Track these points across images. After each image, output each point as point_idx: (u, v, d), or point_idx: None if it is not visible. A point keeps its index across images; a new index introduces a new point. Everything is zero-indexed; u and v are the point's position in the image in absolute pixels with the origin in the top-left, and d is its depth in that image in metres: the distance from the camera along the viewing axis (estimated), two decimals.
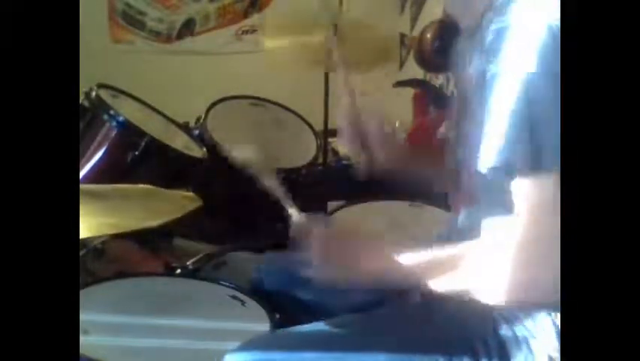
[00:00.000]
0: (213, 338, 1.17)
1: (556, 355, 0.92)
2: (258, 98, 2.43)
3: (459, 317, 0.97)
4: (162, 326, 1.20)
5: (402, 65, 3.64)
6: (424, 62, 2.82)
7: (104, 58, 3.37)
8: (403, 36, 3.68)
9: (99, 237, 1.71)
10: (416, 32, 3.10)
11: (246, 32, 3.80)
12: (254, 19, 3.78)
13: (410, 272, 0.97)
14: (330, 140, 3.03)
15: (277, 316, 1.21)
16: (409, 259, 0.97)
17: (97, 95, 1.91)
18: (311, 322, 1.05)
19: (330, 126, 2.80)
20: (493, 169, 0.85)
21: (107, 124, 1.86)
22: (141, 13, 3.69)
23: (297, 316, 1.18)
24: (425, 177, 1.34)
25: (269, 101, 2.44)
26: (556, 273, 0.74)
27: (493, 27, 0.90)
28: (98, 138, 1.86)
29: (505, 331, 0.96)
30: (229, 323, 1.21)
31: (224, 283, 1.36)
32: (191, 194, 1.44)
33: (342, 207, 1.87)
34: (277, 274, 1.32)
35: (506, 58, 0.85)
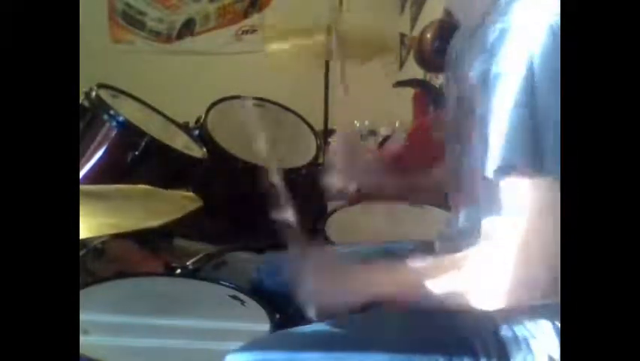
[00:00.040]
0: (213, 338, 1.16)
1: (557, 355, 0.92)
2: (258, 98, 2.43)
3: (459, 317, 0.97)
4: (162, 326, 1.20)
5: (402, 65, 3.65)
6: (424, 62, 2.82)
7: (104, 58, 3.38)
8: (403, 36, 3.68)
9: (99, 237, 1.71)
10: (416, 32, 3.10)
11: (246, 32, 3.81)
12: (254, 19, 3.79)
13: (406, 284, 0.97)
14: (330, 140, 3.03)
15: (277, 316, 1.21)
16: (408, 269, 0.97)
17: (97, 95, 1.91)
18: (311, 322, 1.05)
19: (330, 126, 2.81)
20: (494, 170, 0.85)
21: (107, 124, 1.86)
22: (141, 13, 3.69)
23: (297, 316, 1.17)
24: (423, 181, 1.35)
25: (269, 101, 2.44)
26: (556, 274, 0.74)
27: (494, 27, 0.90)
28: (98, 138, 1.86)
29: (505, 331, 0.96)
30: (229, 323, 1.21)
31: (224, 283, 1.36)
32: (191, 194, 1.44)
33: (342, 207, 1.87)
34: (277, 274, 1.32)
35: (508, 58, 0.85)
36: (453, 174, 1.08)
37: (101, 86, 1.98)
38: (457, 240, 1.05)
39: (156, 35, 3.74)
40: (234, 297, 1.30)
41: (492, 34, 0.90)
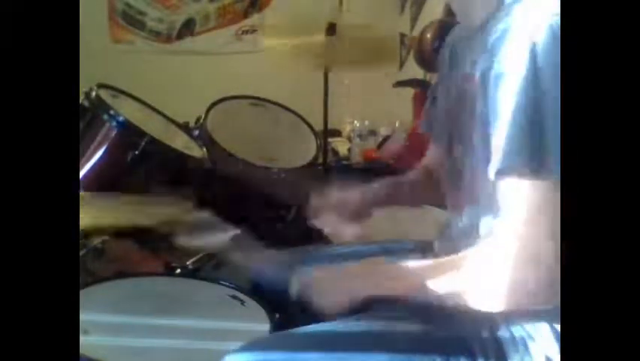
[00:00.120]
0: (213, 338, 1.16)
1: (554, 357, 0.92)
2: (258, 98, 2.43)
3: (457, 318, 0.97)
4: (162, 326, 1.20)
5: (402, 65, 3.65)
6: (424, 62, 2.83)
7: (104, 58, 3.38)
8: (403, 36, 3.68)
9: (99, 237, 1.71)
10: (416, 32, 3.11)
11: (246, 32, 3.81)
12: (254, 19, 3.79)
13: (406, 283, 0.97)
14: (330, 140, 3.03)
15: (277, 316, 1.21)
16: (407, 269, 0.98)
17: (97, 95, 1.91)
18: (311, 322, 1.05)
19: (330, 126, 2.81)
20: (494, 171, 0.85)
21: (107, 124, 1.86)
22: (141, 13, 3.69)
23: (297, 316, 1.17)
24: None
25: (269, 101, 2.44)
26: (556, 275, 0.74)
27: (496, 27, 0.90)
28: (98, 138, 1.86)
29: (502, 331, 0.96)
30: (229, 323, 1.21)
31: (224, 283, 1.36)
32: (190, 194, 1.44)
33: None
34: (277, 274, 1.32)
35: (508, 58, 0.85)
36: (452, 174, 1.08)
37: (101, 86, 1.98)
38: (456, 240, 1.05)
39: (156, 35, 3.74)
40: (234, 297, 1.30)
41: (493, 34, 0.90)
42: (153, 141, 1.85)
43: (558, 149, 0.78)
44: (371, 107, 3.50)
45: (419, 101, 2.99)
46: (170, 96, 2.50)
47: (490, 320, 0.97)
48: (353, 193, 1.33)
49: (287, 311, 1.22)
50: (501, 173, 0.85)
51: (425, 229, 1.69)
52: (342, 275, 1.06)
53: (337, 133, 3.72)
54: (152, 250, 1.85)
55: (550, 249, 0.79)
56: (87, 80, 1.76)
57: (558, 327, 0.92)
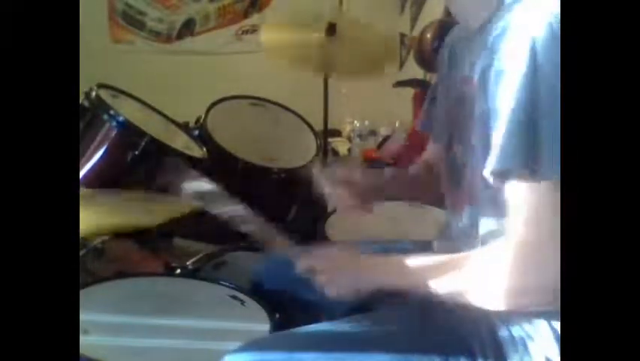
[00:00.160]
0: (213, 338, 1.17)
1: (554, 357, 0.92)
2: (258, 98, 2.43)
3: (456, 317, 0.97)
4: (162, 326, 1.20)
5: (402, 65, 3.65)
6: (424, 62, 2.83)
7: (104, 58, 3.38)
8: (403, 36, 3.68)
9: (99, 237, 1.71)
10: (416, 32, 3.11)
11: (246, 32, 3.81)
12: (254, 19, 3.79)
13: (411, 277, 0.98)
14: (330, 140, 3.03)
15: (277, 316, 1.21)
16: (408, 264, 0.98)
17: (97, 95, 1.91)
18: (311, 322, 1.05)
19: (330, 126, 2.81)
20: (491, 172, 0.85)
21: (107, 124, 1.86)
22: (141, 13, 3.69)
23: (297, 316, 1.18)
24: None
25: (269, 101, 2.44)
26: (556, 277, 0.74)
27: (496, 25, 0.90)
28: (98, 138, 1.86)
29: (502, 332, 0.96)
30: (229, 323, 1.21)
31: (224, 283, 1.36)
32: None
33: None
34: (277, 273, 1.32)
35: (507, 57, 0.84)
36: (452, 174, 1.08)
37: (101, 86, 1.98)
38: (456, 240, 1.05)
39: (156, 35, 3.74)
40: (234, 297, 1.30)
41: (493, 32, 0.90)
42: (153, 141, 1.85)
43: (555, 149, 0.78)
44: (371, 107, 3.50)
45: (419, 101, 2.99)
46: (170, 96, 2.50)
47: (489, 320, 0.97)
48: (357, 172, 1.33)
49: (287, 311, 1.22)
50: (496, 174, 0.85)
51: (425, 228, 1.70)
52: (350, 260, 1.07)
53: (337, 133, 3.72)
54: (152, 250, 1.85)
55: (550, 249, 0.79)
56: (87, 80, 1.76)
57: (557, 327, 0.92)
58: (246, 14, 3.81)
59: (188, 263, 1.57)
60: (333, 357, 0.96)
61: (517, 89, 0.81)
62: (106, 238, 1.74)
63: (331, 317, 1.10)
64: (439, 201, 1.26)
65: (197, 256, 1.61)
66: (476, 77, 0.92)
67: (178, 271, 1.54)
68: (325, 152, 2.67)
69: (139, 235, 1.78)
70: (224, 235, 1.88)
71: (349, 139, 3.64)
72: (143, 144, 1.82)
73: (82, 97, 1.91)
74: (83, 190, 1.20)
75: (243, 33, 3.81)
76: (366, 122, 3.54)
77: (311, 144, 2.35)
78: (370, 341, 0.98)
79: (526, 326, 0.94)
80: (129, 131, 1.85)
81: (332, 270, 1.06)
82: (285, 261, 1.14)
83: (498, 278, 0.86)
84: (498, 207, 0.93)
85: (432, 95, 1.24)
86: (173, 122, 2.20)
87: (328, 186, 1.29)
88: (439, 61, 1.19)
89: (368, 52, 2.47)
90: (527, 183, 0.83)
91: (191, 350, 1.14)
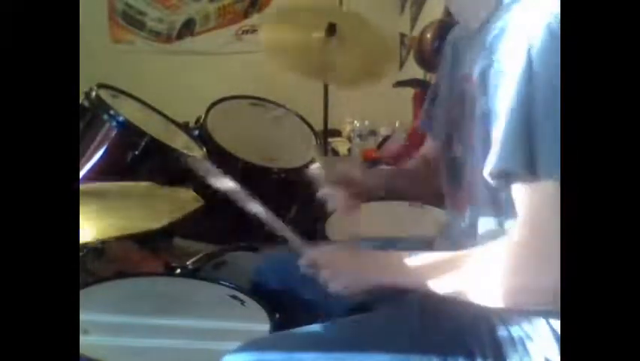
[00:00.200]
0: (213, 338, 1.17)
1: (553, 357, 0.92)
2: (258, 98, 2.43)
3: (455, 318, 0.97)
4: (162, 326, 1.20)
5: (402, 65, 3.65)
6: (424, 62, 2.83)
7: (104, 58, 3.38)
8: (403, 36, 3.68)
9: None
10: (416, 32, 3.11)
11: (246, 32, 3.81)
12: (254, 19, 3.79)
13: (412, 273, 0.98)
14: (330, 140, 3.02)
15: (277, 316, 1.21)
16: (409, 261, 0.98)
17: (97, 95, 1.91)
18: (311, 322, 1.05)
19: (330, 126, 2.81)
20: (489, 172, 0.85)
21: (107, 124, 1.86)
22: (141, 13, 3.69)
23: (297, 316, 1.18)
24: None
25: (269, 101, 2.44)
26: (556, 276, 0.74)
27: (495, 25, 0.90)
28: (98, 138, 1.86)
29: (501, 332, 0.96)
30: (229, 323, 1.21)
31: (224, 283, 1.36)
32: (191, 192, 1.44)
33: None
34: (277, 273, 1.32)
35: (505, 57, 0.84)
36: (452, 174, 1.08)
37: (101, 86, 1.98)
38: (456, 240, 1.05)
39: (156, 35, 3.74)
40: (234, 297, 1.30)
41: (492, 33, 0.90)
42: (153, 141, 1.85)
43: (553, 148, 0.78)
44: (371, 107, 3.50)
45: (419, 101, 2.99)
46: (170, 96, 2.50)
47: (488, 320, 0.97)
48: (355, 170, 1.33)
49: (287, 311, 1.22)
50: (495, 174, 0.85)
51: (425, 228, 1.70)
52: (353, 256, 1.08)
53: (337, 133, 3.72)
54: (152, 250, 1.85)
55: (550, 249, 0.78)
56: (87, 80, 1.76)
57: (557, 327, 0.92)
58: (246, 14, 3.81)
59: (188, 263, 1.57)
60: (333, 357, 0.96)
61: (515, 90, 0.81)
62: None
63: (331, 317, 1.10)
64: (438, 200, 1.26)
65: (197, 256, 1.61)
66: (476, 77, 0.92)
67: (178, 271, 1.54)
68: (325, 152, 2.67)
69: (139, 235, 1.78)
70: (224, 235, 1.90)
71: (349, 139, 3.64)
72: (143, 144, 1.82)
73: (82, 97, 1.91)
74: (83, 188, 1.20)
75: (243, 33, 3.81)
76: (366, 122, 3.54)
77: (311, 144, 2.35)
78: (370, 341, 0.98)
79: (526, 326, 0.94)
80: (129, 131, 1.85)
81: (335, 265, 1.06)
82: (285, 260, 1.14)
83: (498, 277, 0.86)
84: (498, 207, 0.93)
85: (432, 95, 1.25)
86: (173, 122, 2.20)
87: (327, 184, 1.29)
88: (441, 58, 1.20)
89: (368, 53, 2.47)
90: (527, 183, 0.83)
91: (191, 350, 1.14)
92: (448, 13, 2.67)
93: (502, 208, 0.92)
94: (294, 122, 2.43)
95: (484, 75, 0.89)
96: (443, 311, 0.98)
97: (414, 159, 1.38)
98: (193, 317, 1.22)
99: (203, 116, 2.21)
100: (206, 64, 3.67)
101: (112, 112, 1.86)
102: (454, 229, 1.09)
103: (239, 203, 1.21)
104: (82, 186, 1.10)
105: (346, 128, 3.74)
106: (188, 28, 3.77)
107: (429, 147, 1.33)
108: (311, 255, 1.10)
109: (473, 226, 1.00)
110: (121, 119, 1.85)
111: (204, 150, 2.05)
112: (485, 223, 0.98)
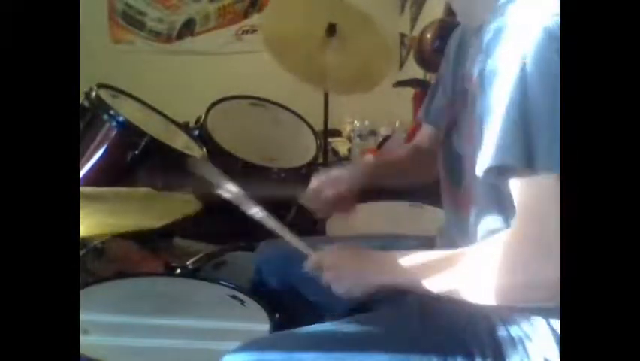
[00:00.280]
0: (213, 338, 1.17)
1: (553, 357, 0.92)
2: (258, 98, 2.43)
3: (455, 318, 0.97)
4: (162, 326, 1.20)
5: (402, 65, 3.65)
6: (424, 62, 2.83)
7: (104, 58, 3.38)
8: (403, 36, 3.68)
9: (99, 237, 1.71)
10: (416, 32, 3.11)
11: (246, 32, 3.81)
12: (254, 19, 3.79)
13: (414, 272, 0.98)
14: (330, 140, 3.02)
15: (277, 316, 1.21)
16: (407, 261, 0.98)
17: (97, 95, 1.91)
18: (311, 322, 1.05)
19: (330, 126, 2.81)
20: (484, 170, 0.85)
21: (107, 124, 1.86)
22: (141, 13, 3.69)
23: (297, 316, 1.18)
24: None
25: (269, 101, 2.44)
26: (555, 274, 0.74)
27: (490, 27, 0.90)
28: (98, 138, 1.86)
29: (500, 331, 0.96)
30: (229, 323, 1.21)
31: (224, 283, 1.36)
32: (190, 196, 1.43)
33: None
34: (277, 272, 1.32)
35: (501, 57, 0.85)
36: (452, 173, 1.08)
37: (101, 86, 1.98)
38: (456, 239, 1.05)
39: (156, 35, 3.74)
40: (234, 297, 1.30)
41: (488, 34, 0.90)
42: (153, 141, 1.85)
43: (550, 147, 0.78)
44: (371, 107, 3.50)
45: (419, 101, 2.98)
46: (170, 96, 2.50)
47: (488, 320, 0.97)
48: (339, 171, 1.33)
49: (287, 311, 1.22)
50: (491, 172, 0.85)
51: (425, 228, 1.70)
52: (356, 257, 1.08)
53: (337, 133, 3.72)
54: (152, 250, 1.85)
55: (550, 245, 0.78)
56: (87, 80, 1.76)
57: (556, 327, 0.92)
58: (246, 14, 3.81)
59: (188, 263, 1.57)
60: (333, 357, 0.96)
61: (510, 90, 0.81)
62: (106, 238, 1.74)
63: (331, 317, 1.10)
64: (426, 178, 1.27)
65: (197, 256, 1.61)
66: (475, 77, 0.92)
67: (178, 271, 1.54)
68: (325, 152, 2.67)
69: (139, 235, 1.78)
70: (224, 235, 1.90)
71: (349, 139, 3.64)
72: (143, 144, 1.82)
73: (82, 97, 1.91)
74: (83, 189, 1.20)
75: (243, 33, 3.81)
76: (366, 122, 3.54)
77: (311, 144, 2.35)
78: (370, 341, 0.98)
79: (525, 327, 0.94)
80: (129, 131, 1.85)
81: (338, 267, 1.07)
82: (285, 260, 1.14)
83: (498, 273, 0.86)
84: (498, 206, 0.93)
85: (432, 93, 1.25)
86: (173, 122, 2.20)
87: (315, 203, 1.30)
88: (445, 53, 1.20)
89: (368, 55, 2.47)
90: (523, 180, 0.83)
91: (191, 350, 1.14)
92: (448, 12, 2.68)
93: (502, 207, 0.92)
94: (294, 122, 2.43)
95: (482, 75, 0.89)
96: (443, 311, 0.98)
97: (404, 146, 1.38)
98: (193, 317, 1.22)
99: (203, 116, 2.21)
100: (206, 64, 3.67)
101: (112, 112, 1.86)
102: (454, 228, 1.09)
103: (240, 207, 1.21)
104: (81, 189, 1.10)
105: (346, 128, 3.74)
106: (188, 28, 3.77)
107: (423, 135, 1.33)
108: (315, 258, 1.10)
109: (475, 224, 1.00)
110: (121, 119, 1.85)
111: (204, 150, 2.05)
112: (485, 223, 0.98)
